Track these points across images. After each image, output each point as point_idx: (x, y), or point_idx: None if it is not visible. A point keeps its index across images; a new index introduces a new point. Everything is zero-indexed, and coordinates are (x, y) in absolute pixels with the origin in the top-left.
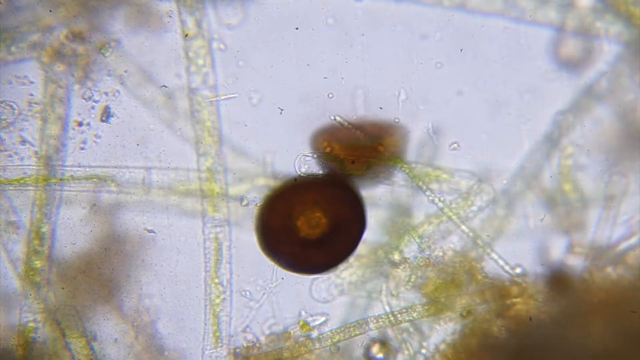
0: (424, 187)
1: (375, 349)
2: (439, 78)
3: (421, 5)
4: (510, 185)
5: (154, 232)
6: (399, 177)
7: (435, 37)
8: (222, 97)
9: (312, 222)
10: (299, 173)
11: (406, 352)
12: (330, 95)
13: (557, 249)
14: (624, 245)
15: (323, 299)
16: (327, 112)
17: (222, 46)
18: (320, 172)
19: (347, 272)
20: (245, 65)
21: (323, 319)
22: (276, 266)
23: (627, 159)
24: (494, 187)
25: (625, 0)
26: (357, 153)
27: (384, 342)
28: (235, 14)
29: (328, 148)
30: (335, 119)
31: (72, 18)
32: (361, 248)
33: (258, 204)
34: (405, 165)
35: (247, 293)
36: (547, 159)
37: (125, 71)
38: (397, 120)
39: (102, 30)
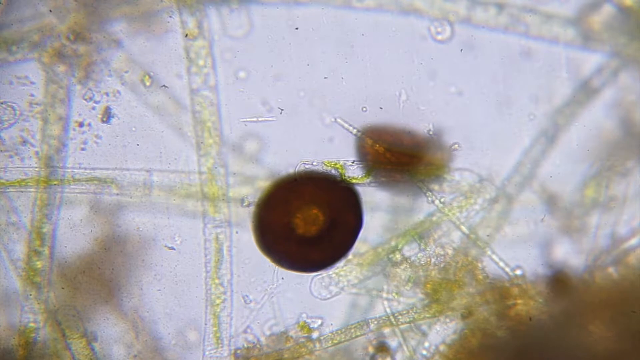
0: (425, 188)
1: (379, 356)
2: (439, 78)
3: (424, 20)
4: (510, 186)
5: (174, 249)
6: (400, 178)
7: (436, 39)
8: (260, 119)
9: (309, 219)
10: (297, 175)
11: (406, 352)
12: (364, 109)
13: (557, 249)
14: (625, 246)
15: (322, 296)
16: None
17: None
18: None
19: (347, 271)
20: (245, 65)
21: (320, 321)
22: (273, 264)
23: (629, 159)
24: (494, 187)
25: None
26: (395, 158)
27: (386, 349)
28: (235, 15)
29: (381, 149)
30: (336, 120)
31: (73, 18)
32: (361, 247)
33: (255, 202)
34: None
35: (251, 298)
36: (546, 159)
37: (126, 72)
38: (430, 131)
39: (103, 30)
